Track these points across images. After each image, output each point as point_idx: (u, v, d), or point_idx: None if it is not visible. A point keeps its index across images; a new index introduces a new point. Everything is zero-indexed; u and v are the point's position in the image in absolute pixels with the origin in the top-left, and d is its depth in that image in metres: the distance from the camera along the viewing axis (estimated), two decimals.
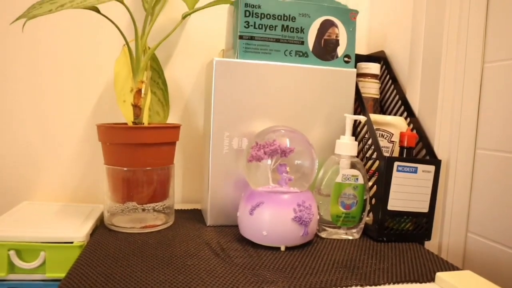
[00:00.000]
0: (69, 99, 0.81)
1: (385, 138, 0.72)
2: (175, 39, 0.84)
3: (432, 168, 0.65)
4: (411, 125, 0.73)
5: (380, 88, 0.81)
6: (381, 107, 0.83)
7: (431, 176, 0.65)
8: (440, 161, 0.65)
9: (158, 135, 0.64)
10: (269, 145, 0.61)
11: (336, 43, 0.71)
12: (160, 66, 0.80)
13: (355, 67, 0.73)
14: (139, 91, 0.65)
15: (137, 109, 0.65)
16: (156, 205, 0.66)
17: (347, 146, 0.64)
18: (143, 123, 0.67)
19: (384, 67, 0.83)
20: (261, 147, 0.61)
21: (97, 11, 0.60)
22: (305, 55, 0.70)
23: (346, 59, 0.71)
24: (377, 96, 0.79)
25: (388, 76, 0.82)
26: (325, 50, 0.70)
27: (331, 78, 0.70)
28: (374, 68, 0.79)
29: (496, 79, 0.67)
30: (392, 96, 0.80)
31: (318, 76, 0.69)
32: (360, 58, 0.85)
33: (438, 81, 0.70)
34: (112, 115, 0.82)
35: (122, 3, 0.60)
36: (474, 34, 0.69)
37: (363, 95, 0.78)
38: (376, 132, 0.72)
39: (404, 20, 0.80)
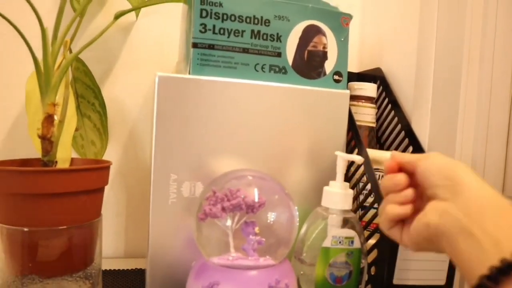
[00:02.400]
0: None
1: None
2: (116, 49, 0.65)
3: None
4: None
5: (376, 114, 0.64)
6: (378, 137, 0.66)
7: None
8: None
9: (75, 180, 0.45)
10: (230, 198, 0.43)
11: (324, 56, 0.53)
12: (95, 82, 0.61)
13: (346, 85, 0.56)
14: (49, 117, 0.46)
15: (46, 142, 0.47)
16: (71, 277, 0.47)
17: (339, 196, 0.47)
18: (56, 162, 0.49)
19: (381, 88, 0.66)
20: (219, 200, 0.43)
21: None
22: (283, 71, 0.52)
23: (336, 77, 0.54)
24: (373, 125, 0.62)
25: (386, 100, 0.65)
26: (309, 65, 0.53)
27: (316, 102, 0.53)
28: (369, 89, 0.62)
29: None
30: (393, 124, 0.63)
31: (300, 98, 0.52)
32: (351, 77, 0.68)
33: (457, 107, 0.53)
34: (27, 150, 0.62)
35: None
36: (504, 45, 0.53)
37: (358, 123, 0.61)
38: (375, 173, 0.55)
39: (406, 29, 0.64)
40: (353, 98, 0.62)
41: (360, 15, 0.77)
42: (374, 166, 0.55)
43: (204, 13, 0.49)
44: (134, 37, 0.66)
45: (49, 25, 0.46)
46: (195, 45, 0.49)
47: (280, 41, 0.52)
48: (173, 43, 0.66)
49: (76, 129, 0.61)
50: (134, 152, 0.67)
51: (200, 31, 0.49)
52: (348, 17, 0.55)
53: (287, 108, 0.52)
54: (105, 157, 0.64)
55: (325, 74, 0.54)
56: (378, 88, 0.66)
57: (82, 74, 0.60)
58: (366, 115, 0.62)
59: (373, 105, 0.62)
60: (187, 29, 0.51)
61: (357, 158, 0.47)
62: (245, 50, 0.51)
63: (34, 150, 0.58)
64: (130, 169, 0.67)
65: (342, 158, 0.48)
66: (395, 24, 0.67)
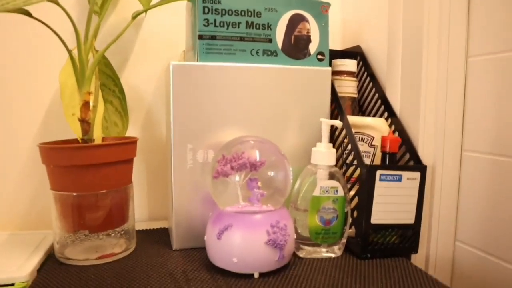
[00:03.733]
0: (10, 116, 0.72)
1: (365, 142, 0.66)
2: (130, 41, 0.75)
3: (417, 175, 0.59)
4: (393, 127, 0.67)
5: (357, 86, 0.75)
6: (360, 106, 0.76)
7: (416, 183, 0.59)
8: (425, 167, 0.60)
9: (110, 153, 0.56)
10: (237, 159, 0.54)
11: (308, 39, 0.64)
12: (115, 72, 0.71)
13: (330, 64, 0.67)
14: (86, 103, 0.57)
15: (85, 124, 0.57)
16: (113, 232, 0.59)
17: (324, 155, 0.58)
18: (94, 140, 0.59)
19: (361, 63, 0.77)
20: (228, 161, 0.54)
21: (29, 14, 0.52)
22: (274, 54, 0.62)
23: (319, 56, 0.65)
24: (355, 95, 0.73)
25: (365, 73, 0.75)
26: (296, 48, 0.63)
27: (304, 79, 0.63)
28: (350, 64, 0.72)
29: (481, 75, 0.61)
30: (371, 94, 0.74)
31: (290, 76, 0.62)
32: (335, 54, 0.78)
33: (420, 78, 0.64)
34: (62, 131, 0.73)
35: (57, 4, 0.52)
36: (457, 24, 0.63)
37: (339, 94, 0.72)
38: (356, 135, 0.66)
39: (380, 11, 0.74)
40: (337, 73, 0.73)
41: (341, 0, 0.87)
42: (355, 130, 0.66)
43: (206, 10, 0.59)
44: (145, 30, 0.76)
45: (66, 27, 0.56)
46: (200, 37, 0.59)
47: (271, 29, 0.62)
48: (179, 35, 0.76)
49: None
50: (151, 131, 0.78)
51: (204, 25, 0.59)
52: (327, 5, 0.64)
53: (279, 85, 0.62)
54: (126, 135, 0.75)
55: (310, 54, 0.64)
56: (358, 63, 0.76)
57: (103, 66, 0.70)
58: (349, 87, 0.72)
59: (354, 79, 0.73)
60: (193, 23, 0.61)
61: (337, 122, 0.58)
62: (242, 39, 0.61)
63: (65, 133, 0.69)
64: (149, 145, 0.78)
65: (326, 123, 0.59)
66: (370, 6, 0.77)
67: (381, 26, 0.73)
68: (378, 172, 0.57)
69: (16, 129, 0.72)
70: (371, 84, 0.74)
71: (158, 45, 0.76)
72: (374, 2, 0.76)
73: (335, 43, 0.87)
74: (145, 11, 0.62)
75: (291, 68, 0.62)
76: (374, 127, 0.65)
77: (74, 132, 0.62)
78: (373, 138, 0.65)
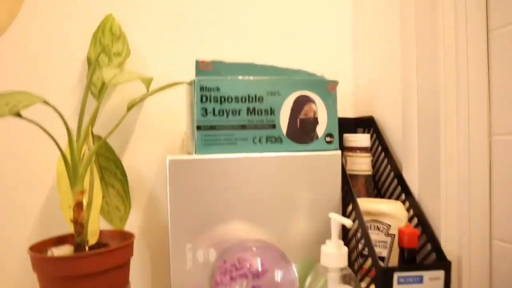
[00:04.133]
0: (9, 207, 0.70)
1: (381, 231, 0.60)
2: (130, 123, 0.73)
3: (441, 274, 0.53)
4: (411, 211, 0.62)
5: (372, 161, 0.70)
6: (375, 182, 0.71)
7: (440, 284, 0.53)
8: (450, 263, 0.53)
9: (104, 261, 0.53)
10: (237, 269, 0.49)
11: (315, 122, 0.59)
12: (115, 155, 0.69)
13: (341, 142, 0.62)
14: (78, 204, 0.54)
15: (78, 226, 0.54)
16: None
17: (334, 256, 0.52)
18: (87, 241, 0.56)
19: (374, 135, 0.72)
20: (227, 271, 0.49)
21: (19, 116, 0.50)
22: (278, 140, 0.58)
23: (328, 139, 0.60)
24: (369, 172, 0.68)
25: (380, 147, 0.70)
26: (302, 132, 0.59)
27: (311, 165, 0.58)
28: (363, 140, 0.67)
29: (508, 152, 0.55)
30: (387, 172, 0.68)
31: (296, 164, 0.58)
32: (347, 123, 0.74)
33: (439, 154, 0.58)
34: (61, 225, 0.70)
35: (47, 104, 0.49)
36: (477, 97, 0.58)
37: (352, 172, 0.67)
38: (371, 223, 0.61)
39: (393, 80, 0.69)
40: (349, 149, 0.68)
41: (352, 68, 0.83)
42: (369, 218, 0.61)
43: (204, 99, 0.56)
44: (146, 110, 0.73)
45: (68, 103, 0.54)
46: (198, 128, 0.55)
47: (274, 114, 0.58)
48: (181, 114, 0.73)
49: (102, 198, 0.68)
50: (153, 210, 0.75)
51: (202, 115, 0.56)
52: (334, 83, 0.60)
53: (285, 173, 0.58)
54: (128, 220, 0.72)
55: (317, 137, 0.59)
56: (371, 136, 0.71)
57: (103, 149, 0.67)
58: (362, 164, 0.67)
59: (368, 154, 0.68)
60: (191, 110, 0.58)
61: (347, 222, 0.53)
62: (243, 127, 0.57)
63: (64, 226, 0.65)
64: (152, 230, 0.74)
65: (336, 221, 0.53)
66: (383, 75, 0.72)
67: (395, 96, 0.68)
68: (396, 275, 0.52)
69: (15, 220, 0.70)
70: (386, 160, 0.68)
71: (159, 125, 0.74)
72: (387, 70, 0.71)
73: (347, 112, 0.82)
74: (143, 99, 0.59)
75: (297, 155, 0.58)
76: (390, 214, 0.60)
77: (70, 226, 0.59)
78: (390, 226, 0.60)
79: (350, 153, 0.67)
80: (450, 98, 0.58)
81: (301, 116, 0.59)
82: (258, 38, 0.78)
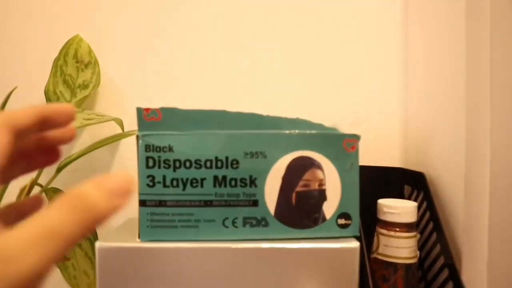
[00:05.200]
0: None
1: None
2: (104, 166, 0.58)
3: None
4: None
5: (418, 242, 0.47)
6: (424, 273, 0.48)
7: None
8: None
9: None
10: None
11: (320, 196, 0.39)
12: None
13: (371, 212, 0.41)
14: None
15: None
16: None
17: None
18: None
19: (424, 202, 0.49)
20: None
21: None
22: (263, 223, 0.39)
23: (341, 221, 0.39)
24: (413, 260, 0.45)
25: (429, 217, 0.47)
26: (300, 211, 0.39)
27: (313, 261, 0.38)
28: (407, 213, 0.45)
29: None
30: (434, 253, 0.45)
31: (288, 261, 0.38)
32: (392, 173, 0.52)
33: None
34: None
35: None
36: None
37: (386, 259, 0.45)
38: None
39: (455, 124, 0.46)
40: (384, 224, 0.46)
41: (403, 97, 0.60)
42: None
43: (150, 163, 0.38)
44: (121, 153, 0.58)
45: None
46: (143, 203, 0.38)
47: (256, 186, 0.39)
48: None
49: (67, 259, 0.55)
50: None
51: (148, 185, 0.38)
52: (354, 138, 0.39)
53: (272, 273, 0.38)
54: None
55: (324, 219, 0.39)
56: (419, 204, 0.49)
57: None
58: (402, 249, 0.45)
59: (413, 234, 0.45)
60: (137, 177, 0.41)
61: None
62: (208, 203, 0.39)
63: None
64: None
65: None
66: (440, 117, 0.49)
67: (458, 147, 0.45)
68: None
69: None
70: (434, 235, 0.46)
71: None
72: (448, 112, 0.48)
73: (392, 158, 0.60)
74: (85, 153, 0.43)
75: (290, 247, 0.38)
76: None
77: None
78: None
79: (385, 231, 0.46)
80: None
81: (299, 188, 0.39)
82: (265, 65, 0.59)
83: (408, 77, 0.60)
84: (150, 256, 0.37)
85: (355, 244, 0.38)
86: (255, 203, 0.39)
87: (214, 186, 0.38)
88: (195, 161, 0.38)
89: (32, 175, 0.45)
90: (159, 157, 0.38)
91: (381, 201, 0.47)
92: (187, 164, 0.38)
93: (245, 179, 0.39)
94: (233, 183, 0.39)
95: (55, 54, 0.53)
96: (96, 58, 0.57)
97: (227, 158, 0.38)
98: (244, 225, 0.39)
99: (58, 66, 0.53)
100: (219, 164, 0.38)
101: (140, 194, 0.38)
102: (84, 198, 0.19)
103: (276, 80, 0.60)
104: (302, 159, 0.39)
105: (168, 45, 0.59)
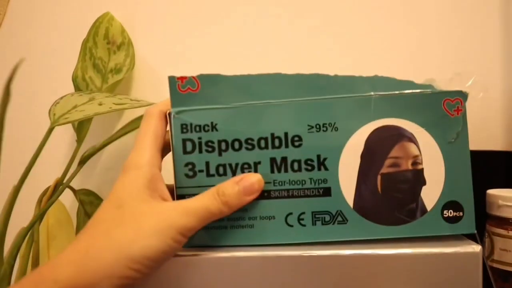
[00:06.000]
0: None
1: None
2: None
3: None
4: None
5: None
6: None
7: None
8: None
9: None
10: None
11: (417, 178, 0.29)
12: None
13: (480, 210, 0.30)
14: None
15: None
16: None
17: None
18: None
19: None
20: None
21: None
22: (339, 219, 0.29)
23: (448, 213, 0.29)
24: None
25: None
26: (389, 201, 0.29)
27: (415, 276, 0.28)
28: None
29: None
30: None
31: (381, 273, 0.28)
32: (495, 160, 0.40)
33: None
34: None
35: None
36: None
37: (510, 269, 0.34)
38: None
39: None
40: (499, 222, 0.34)
41: (504, 62, 0.48)
42: None
43: (189, 146, 0.30)
44: None
45: None
46: (181, 198, 0.30)
47: (326, 169, 0.29)
48: None
49: None
50: None
51: (187, 175, 0.30)
52: (459, 97, 0.28)
53: (355, 284, 0.28)
54: None
55: (424, 211, 0.29)
56: None
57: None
58: None
59: None
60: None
61: None
62: (265, 195, 0.29)
63: None
64: None
65: None
66: None
67: None
68: None
69: None
70: None
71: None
72: None
73: (494, 141, 0.47)
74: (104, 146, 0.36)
75: (382, 255, 0.28)
76: None
77: None
78: None
79: (502, 230, 0.34)
80: None
81: (385, 168, 0.29)
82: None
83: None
84: (191, 268, 0.29)
85: (475, 247, 0.27)
86: (326, 192, 0.29)
87: (272, 171, 0.29)
88: (246, 141, 0.29)
89: (56, 174, 0.38)
90: (199, 138, 0.30)
91: (493, 192, 0.35)
92: (236, 145, 0.29)
93: (311, 160, 0.29)
94: (296, 166, 0.29)
95: (83, 35, 0.47)
96: (130, 38, 0.50)
97: (286, 134, 0.29)
98: (314, 222, 0.29)
99: (87, 48, 0.47)
100: (276, 142, 0.29)
101: (177, 188, 0.30)
102: (222, 192, 0.27)
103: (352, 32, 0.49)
104: (386, 129, 0.29)
105: (209, 24, 0.51)
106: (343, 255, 0.28)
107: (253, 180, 0.28)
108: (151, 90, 0.50)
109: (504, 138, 0.48)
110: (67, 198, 0.45)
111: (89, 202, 0.44)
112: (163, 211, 0.26)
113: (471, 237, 0.29)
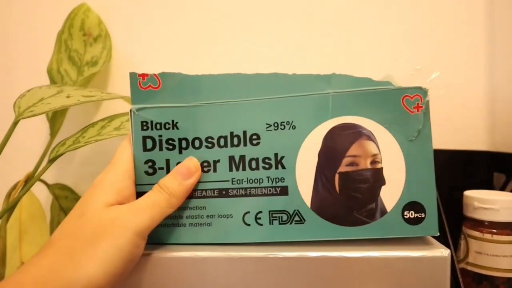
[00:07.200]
0: None
1: None
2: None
3: None
4: None
5: None
6: None
7: None
8: None
9: None
10: None
11: (375, 178, 0.28)
12: None
13: (455, 209, 0.29)
14: None
15: None
16: None
17: None
18: None
19: None
20: None
21: None
22: (296, 218, 0.29)
23: (409, 214, 0.28)
24: None
25: None
26: (347, 201, 0.28)
27: (379, 280, 0.27)
28: (507, 210, 0.33)
29: None
30: None
31: (343, 276, 0.28)
32: (480, 160, 0.40)
33: None
34: None
35: None
36: None
37: (484, 272, 0.34)
38: None
39: None
40: (475, 224, 0.34)
41: (489, 71, 0.46)
42: None
43: (149, 144, 0.30)
44: None
45: None
46: (140, 194, 0.30)
47: (283, 167, 0.29)
48: None
49: None
50: None
51: (147, 173, 0.30)
52: (418, 93, 0.28)
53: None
54: None
55: (384, 212, 0.28)
56: None
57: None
58: (502, 259, 0.33)
59: None
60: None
61: None
62: (223, 193, 0.29)
63: None
64: None
65: None
66: None
67: None
68: None
69: None
70: None
71: None
72: None
73: (475, 140, 0.47)
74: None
75: (344, 257, 0.27)
76: None
77: None
78: None
79: (477, 233, 0.34)
80: None
81: (343, 167, 0.28)
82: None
83: (495, 34, 0.46)
84: (145, 267, 0.29)
85: (443, 251, 0.27)
86: (283, 191, 0.29)
87: (231, 169, 0.29)
88: (206, 139, 0.29)
89: (30, 168, 0.38)
90: (160, 136, 0.29)
91: (469, 193, 0.35)
92: (197, 143, 0.29)
93: (269, 158, 0.29)
94: (254, 164, 0.29)
95: (59, 27, 0.46)
96: (107, 30, 0.49)
97: (245, 132, 0.29)
98: (271, 221, 0.29)
99: (63, 40, 0.46)
100: (235, 140, 0.29)
101: (137, 185, 0.30)
102: (164, 185, 0.28)
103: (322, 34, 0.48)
104: (344, 127, 0.28)
105: (188, 16, 0.50)
106: (310, 257, 0.27)
107: (188, 163, 0.28)
108: (128, 83, 0.49)
109: (487, 138, 0.47)
110: (42, 194, 0.45)
111: (64, 196, 0.44)
112: (118, 215, 0.26)
113: (445, 240, 0.28)
